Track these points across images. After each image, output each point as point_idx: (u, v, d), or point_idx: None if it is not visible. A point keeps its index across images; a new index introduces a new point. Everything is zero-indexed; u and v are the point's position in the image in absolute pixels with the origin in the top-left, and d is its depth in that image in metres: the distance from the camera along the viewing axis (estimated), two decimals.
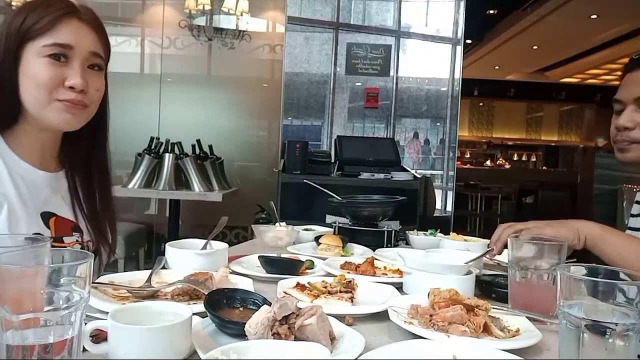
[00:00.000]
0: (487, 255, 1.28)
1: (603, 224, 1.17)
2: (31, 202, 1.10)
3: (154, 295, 0.98)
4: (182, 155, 3.70)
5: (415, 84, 5.61)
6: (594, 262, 0.78)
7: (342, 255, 1.45)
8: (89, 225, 1.21)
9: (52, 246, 1.04)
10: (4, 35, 1.05)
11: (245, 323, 0.73)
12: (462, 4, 5.41)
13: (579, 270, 0.71)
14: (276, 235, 1.58)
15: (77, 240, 1.17)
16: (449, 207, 5.66)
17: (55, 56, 1.05)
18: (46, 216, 1.13)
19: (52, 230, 1.12)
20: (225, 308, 0.85)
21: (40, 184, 1.13)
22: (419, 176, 3.86)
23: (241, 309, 0.87)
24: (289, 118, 5.41)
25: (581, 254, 1.15)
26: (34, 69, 1.05)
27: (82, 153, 1.21)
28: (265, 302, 0.85)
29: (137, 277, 1.07)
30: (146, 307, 0.77)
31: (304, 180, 2.05)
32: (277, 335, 0.71)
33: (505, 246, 1.16)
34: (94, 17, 1.12)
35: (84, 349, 0.67)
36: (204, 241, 1.29)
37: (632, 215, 1.42)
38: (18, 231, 1.04)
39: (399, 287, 1.11)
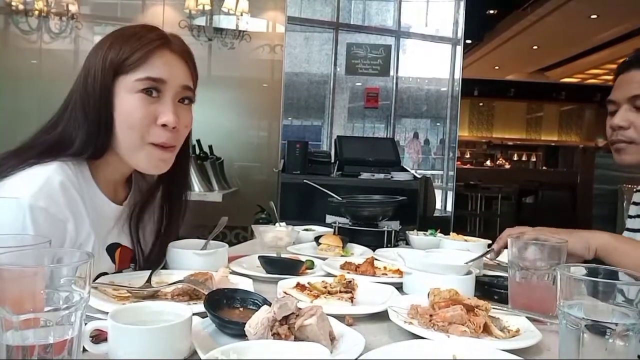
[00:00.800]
0: (488, 256, 1.28)
1: (604, 225, 1.17)
2: (101, 236, 1.09)
3: (154, 296, 0.98)
4: None
5: (415, 84, 5.61)
6: (593, 262, 0.78)
7: (342, 256, 1.45)
8: (142, 252, 1.20)
9: None
10: (99, 69, 1.03)
11: (245, 323, 0.73)
12: (462, 4, 5.41)
13: (579, 271, 0.71)
14: (276, 236, 1.58)
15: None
16: (449, 207, 5.66)
17: (148, 91, 1.03)
18: (112, 248, 1.13)
19: (116, 264, 1.13)
20: (225, 308, 0.85)
21: (109, 216, 1.12)
22: (419, 176, 3.86)
23: (241, 309, 0.87)
24: (289, 118, 5.41)
25: None
26: (127, 106, 1.03)
27: (163, 183, 1.21)
28: (265, 302, 0.85)
29: (137, 277, 1.07)
30: (146, 307, 0.77)
31: (304, 181, 2.05)
32: (277, 336, 0.71)
33: (506, 246, 1.16)
34: (186, 48, 1.11)
35: (84, 349, 0.67)
36: (203, 241, 1.29)
37: (630, 217, 1.42)
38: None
39: (399, 287, 1.11)
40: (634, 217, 1.39)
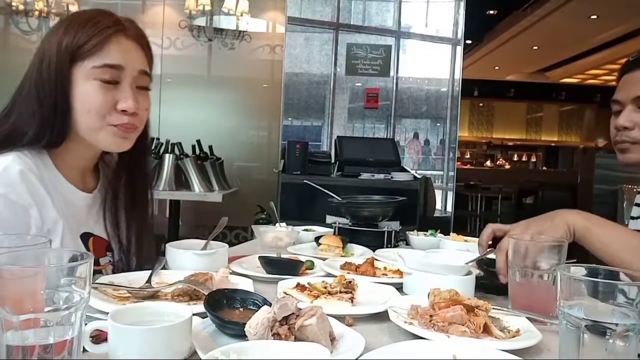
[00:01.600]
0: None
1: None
2: (73, 224, 1.10)
3: (154, 296, 0.98)
4: (182, 156, 3.70)
5: (415, 85, 5.61)
6: (593, 262, 0.78)
7: (342, 256, 1.45)
8: (119, 241, 1.20)
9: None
10: (54, 55, 1.02)
11: (245, 323, 0.73)
12: (462, 5, 5.41)
13: (579, 271, 0.71)
14: (276, 236, 1.58)
15: (110, 261, 1.18)
16: (449, 208, 5.66)
17: (106, 80, 1.03)
18: (85, 237, 1.13)
19: (91, 250, 1.13)
20: (225, 308, 0.85)
21: (78, 205, 1.13)
22: (419, 177, 3.86)
23: (241, 309, 0.87)
24: (289, 118, 5.41)
25: (581, 255, 1.15)
26: (85, 93, 1.03)
27: (124, 168, 1.21)
28: (266, 302, 0.85)
29: (137, 278, 1.07)
30: (146, 307, 0.77)
31: (304, 181, 2.04)
32: (277, 336, 0.71)
33: (491, 246, 1.15)
34: (141, 32, 1.11)
35: (84, 350, 0.67)
36: (204, 242, 1.29)
37: (632, 218, 1.42)
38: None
39: (399, 287, 1.11)
40: (637, 218, 1.39)
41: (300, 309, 0.75)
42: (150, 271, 1.09)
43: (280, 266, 1.23)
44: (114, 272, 1.16)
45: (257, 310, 0.76)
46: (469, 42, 9.80)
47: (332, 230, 1.69)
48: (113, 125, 1.06)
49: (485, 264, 1.15)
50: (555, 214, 1.12)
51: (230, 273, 1.11)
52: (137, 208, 1.23)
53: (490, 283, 1.13)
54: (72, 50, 1.02)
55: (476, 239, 1.52)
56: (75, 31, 1.02)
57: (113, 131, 1.06)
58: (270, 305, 0.76)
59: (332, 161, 3.92)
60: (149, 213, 1.26)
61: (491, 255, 1.35)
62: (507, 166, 14.14)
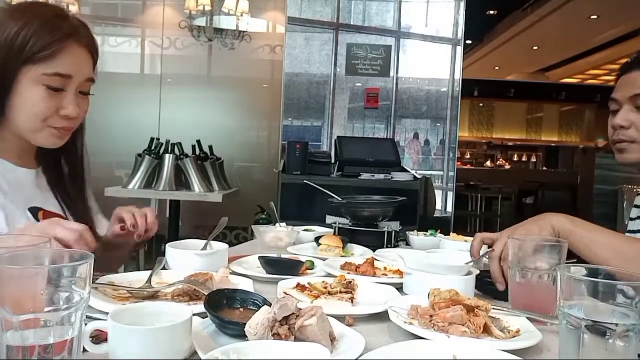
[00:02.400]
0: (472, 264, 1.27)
1: (605, 225, 1.15)
2: (16, 198, 1.11)
3: (154, 296, 0.98)
4: (182, 156, 3.70)
5: (415, 85, 5.61)
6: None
7: (342, 256, 1.45)
8: (74, 217, 1.21)
9: None
10: (4, 52, 1.02)
11: (245, 323, 0.73)
12: (462, 5, 5.41)
13: (579, 271, 0.71)
14: (276, 236, 1.58)
15: None
16: (449, 208, 5.66)
17: (53, 87, 1.04)
18: (34, 211, 1.14)
19: (40, 217, 1.13)
20: (225, 308, 0.85)
21: (22, 180, 1.14)
22: (419, 177, 3.86)
23: (241, 309, 0.87)
24: (289, 118, 5.41)
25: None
26: (30, 96, 1.04)
27: (56, 153, 1.22)
28: (266, 302, 0.85)
29: (137, 278, 1.07)
30: (146, 307, 0.77)
31: (304, 181, 2.04)
32: (277, 336, 0.71)
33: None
34: (92, 38, 1.12)
35: (84, 350, 0.67)
36: (204, 242, 1.29)
37: (631, 219, 1.42)
38: (11, 226, 1.05)
39: (399, 287, 1.11)
40: (635, 219, 1.39)
41: (300, 309, 0.75)
42: (150, 271, 1.09)
43: (280, 266, 1.23)
44: None
45: (257, 310, 0.76)
46: (469, 42, 9.80)
47: (332, 230, 1.69)
48: (52, 127, 1.08)
49: (482, 276, 1.15)
50: (541, 217, 1.14)
51: (230, 273, 1.11)
52: (75, 182, 1.25)
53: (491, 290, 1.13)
54: (25, 53, 1.02)
55: None
56: (31, 33, 1.02)
57: (51, 132, 1.09)
58: (270, 305, 0.76)
59: (332, 161, 3.92)
60: (84, 189, 1.27)
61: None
62: (507, 166, 14.14)
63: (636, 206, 1.41)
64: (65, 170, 1.23)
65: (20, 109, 1.05)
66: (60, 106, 1.07)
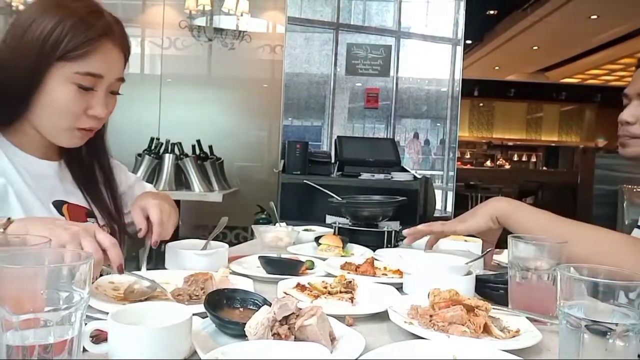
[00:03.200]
0: (404, 241, 1.38)
1: (604, 226, 1.16)
2: (40, 192, 1.09)
3: (153, 296, 0.98)
4: (182, 156, 3.70)
5: (415, 85, 5.61)
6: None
7: (342, 256, 1.45)
8: (101, 210, 1.20)
9: None
10: (37, 48, 0.99)
11: (245, 323, 0.73)
12: (462, 5, 5.42)
13: (579, 271, 0.71)
14: (276, 236, 1.58)
15: (96, 223, 1.18)
16: (449, 208, 5.67)
17: (84, 87, 1.03)
18: (58, 204, 1.13)
19: (66, 217, 1.12)
20: (225, 308, 0.85)
21: (46, 174, 1.13)
22: (419, 176, 3.86)
23: (241, 309, 0.87)
24: (289, 118, 5.42)
25: None
26: (60, 94, 1.02)
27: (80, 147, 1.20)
28: (266, 302, 0.85)
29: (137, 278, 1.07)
30: (146, 307, 0.77)
31: (304, 181, 2.04)
32: (277, 336, 0.71)
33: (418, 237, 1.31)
34: (125, 37, 1.10)
35: (84, 350, 0.67)
36: (204, 241, 1.29)
37: (638, 227, 1.40)
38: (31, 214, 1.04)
39: (399, 287, 1.11)
40: None
41: (300, 309, 0.75)
42: (149, 271, 1.08)
43: (280, 266, 1.22)
44: None
45: (257, 310, 0.76)
46: (469, 42, 9.80)
47: (332, 230, 1.69)
48: (78, 128, 1.07)
49: (482, 280, 1.15)
50: (483, 204, 1.22)
51: (230, 273, 1.11)
52: (105, 179, 1.24)
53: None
54: (59, 51, 1.00)
55: (476, 239, 1.53)
56: (67, 31, 1.00)
57: (75, 134, 1.08)
58: (270, 305, 0.76)
59: (332, 161, 3.93)
60: (113, 178, 1.26)
61: (496, 257, 1.36)
62: (507, 166, 14.14)
63: None
64: (88, 162, 1.22)
65: (47, 107, 1.03)
66: (88, 106, 1.05)
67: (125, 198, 1.30)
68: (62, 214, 1.11)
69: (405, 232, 1.34)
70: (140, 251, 1.18)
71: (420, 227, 1.33)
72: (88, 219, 1.17)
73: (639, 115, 1.21)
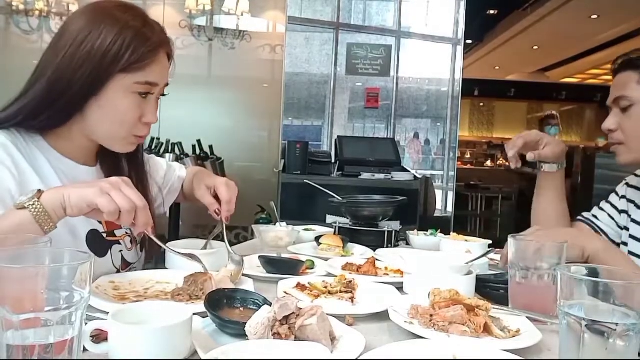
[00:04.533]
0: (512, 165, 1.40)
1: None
2: None
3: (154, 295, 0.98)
4: (182, 156, 3.70)
5: (415, 84, 5.61)
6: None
7: (342, 256, 1.45)
8: None
9: (107, 241, 1.12)
10: (97, 59, 1.00)
11: (245, 323, 0.73)
12: (462, 4, 5.41)
13: (579, 271, 0.71)
14: (277, 236, 1.58)
15: (126, 233, 1.19)
16: (449, 208, 5.66)
17: (142, 94, 1.06)
18: None
19: (104, 225, 1.13)
20: (226, 308, 0.86)
21: (84, 179, 1.13)
22: (419, 176, 3.86)
23: (241, 309, 0.87)
24: (290, 118, 5.42)
25: None
26: (121, 104, 1.04)
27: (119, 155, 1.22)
28: (266, 302, 0.85)
29: (138, 277, 1.07)
30: (147, 307, 0.77)
31: (305, 181, 2.04)
32: (277, 336, 0.71)
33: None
34: (172, 45, 1.15)
35: (85, 349, 0.67)
36: (204, 241, 1.29)
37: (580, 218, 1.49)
38: (73, 227, 1.06)
39: (400, 287, 1.11)
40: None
41: (301, 309, 0.75)
42: (149, 271, 1.08)
43: (281, 266, 1.23)
44: (131, 243, 1.19)
45: (257, 310, 0.76)
46: (469, 42, 9.79)
47: (333, 230, 1.69)
48: (135, 135, 1.10)
49: (482, 280, 1.14)
50: (579, 234, 1.20)
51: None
52: (139, 181, 1.24)
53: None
54: (122, 63, 1.01)
55: (476, 239, 1.53)
56: (128, 43, 1.01)
57: (131, 141, 1.11)
58: (270, 305, 0.76)
59: (333, 161, 3.93)
60: (148, 185, 1.28)
61: (493, 255, 1.36)
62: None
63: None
64: (125, 169, 1.23)
65: (107, 115, 1.05)
66: (143, 114, 1.08)
67: (163, 192, 1.39)
68: (100, 221, 1.12)
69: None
70: (217, 227, 1.26)
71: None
72: (122, 227, 1.18)
73: (619, 122, 1.27)
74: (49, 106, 1.03)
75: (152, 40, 1.05)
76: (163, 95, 1.15)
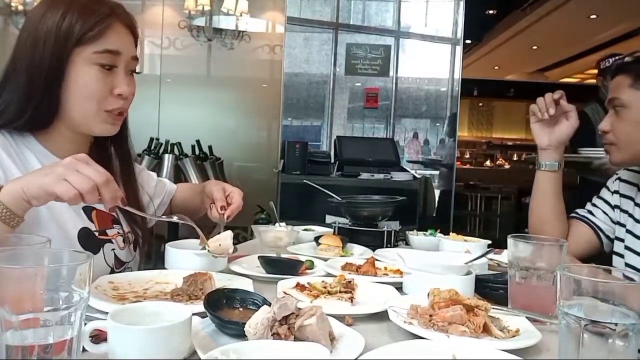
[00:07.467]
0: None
1: None
2: None
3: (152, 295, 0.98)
4: (181, 156, 3.70)
5: (414, 84, 5.61)
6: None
7: (341, 256, 1.45)
8: (125, 217, 1.22)
9: (99, 239, 1.12)
10: (52, 39, 1.04)
11: (245, 323, 0.73)
12: (462, 4, 5.41)
13: (579, 271, 0.71)
14: (276, 236, 1.58)
15: (118, 232, 1.19)
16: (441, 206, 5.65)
17: (104, 65, 1.07)
18: (88, 210, 1.14)
19: (95, 224, 1.14)
20: (225, 308, 0.85)
21: None
22: (418, 176, 3.86)
23: (241, 309, 0.87)
24: (289, 118, 5.41)
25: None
26: (84, 78, 1.06)
27: (107, 148, 1.24)
28: (265, 302, 0.85)
29: (137, 278, 1.07)
30: (146, 307, 0.77)
31: (304, 181, 2.04)
32: (276, 336, 0.71)
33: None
34: (131, 18, 1.16)
35: (84, 349, 0.67)
36: None
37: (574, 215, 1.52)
38: (64, 225, 1.06)
39: (399, 287, 1.11)
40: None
41: (300, 309, 0.75)
42: (149, 271, 1.08)
43: (280, 266, 1.22)
44: (123, 242, 1.20)
45: (256, 310, 0.76)
46: (468, 41, 9.78)
47: (332, 230, 1.69)
48: (107, 110, 1.10)
49: (482, 280, 1.14)
50: None
51: (230, 273, 1.11)
52: (127, 181, 1.26)
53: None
54: (75, 36, 1.04)
55: (476, 239, 1.53)
56: (75, 17, 1.04)
57: (105, 118, 1.11)
58: (270, 305, 0.76)
59: (332, 161, 3.93)
60: (137, 186, 1.29)
61: (493, 255, 1.36)
62: (507, 166, 14.12)
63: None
64: (117, 166, 1.25)
65: (75, 94, 1.06)
66: (113, 86, 1.09)
67: (154, 201, 1.40)
68: (91, 220, 1.14)
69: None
70: (217, 227, 1.29)
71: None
72: (114, 226, 1.19)
73: (613, 123, 1.32)
74: (28, 100, 1.05)
75: (101, 11, 1.07)
76: (136, 72, 1.16)
